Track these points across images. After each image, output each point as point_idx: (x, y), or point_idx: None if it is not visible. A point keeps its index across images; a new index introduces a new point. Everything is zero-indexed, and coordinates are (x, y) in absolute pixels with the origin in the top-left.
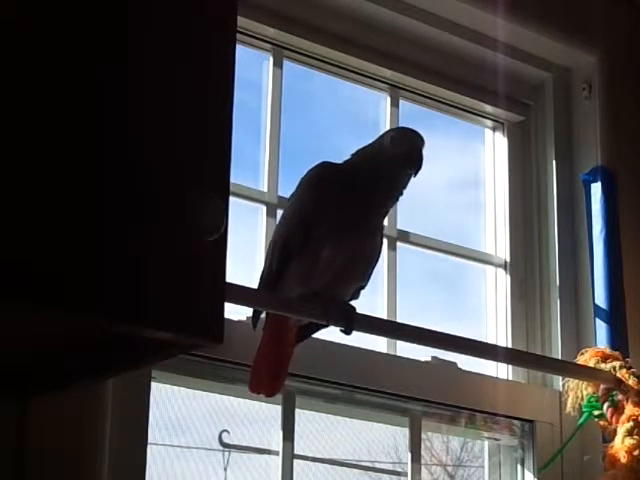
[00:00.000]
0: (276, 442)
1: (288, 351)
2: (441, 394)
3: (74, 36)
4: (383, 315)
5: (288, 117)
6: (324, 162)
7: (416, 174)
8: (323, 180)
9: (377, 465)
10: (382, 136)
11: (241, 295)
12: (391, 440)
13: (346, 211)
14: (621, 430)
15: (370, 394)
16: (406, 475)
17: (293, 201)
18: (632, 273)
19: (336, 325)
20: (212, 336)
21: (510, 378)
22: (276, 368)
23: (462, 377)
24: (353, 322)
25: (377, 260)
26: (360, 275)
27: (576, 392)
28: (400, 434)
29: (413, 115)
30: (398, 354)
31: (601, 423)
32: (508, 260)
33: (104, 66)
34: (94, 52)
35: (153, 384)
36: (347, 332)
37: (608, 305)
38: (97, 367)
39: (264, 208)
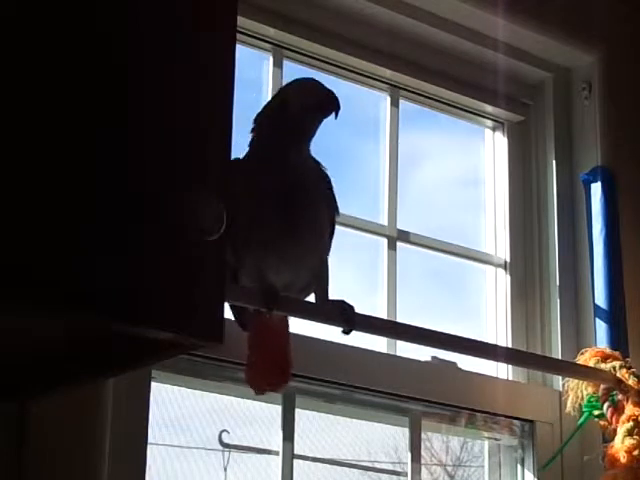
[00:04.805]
0: (276, 442)
1: (283, 342)
2: (441, 394)
3: (73, 35)
4: (383, 315)
5: None
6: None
7: (337, 115)
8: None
9: (377, 465)
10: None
11: (242, 295)
12: (391, 440)
13: (262, 213)
14: (621, 430)
15: (370, 394)
16: (406, 475)
17: None
18: (632, 273)
19: (335, 325)
20: (212, 336)
21: (510, 378)
22: (276, 362)
23: (462, 377)
24: (353, 322)
25: (331, 233)
26: (310, 266)
27: (576, 392)
28: (400, 434)
29: (413, 115)
30: (398, 354)
31: (601, 423)
32: (508, 260)
33: (103, 66)
34: (93, 52)
35: (153, 384)
36: (347, 332)
37: (608, 305)
38: (97, 367)
39: None
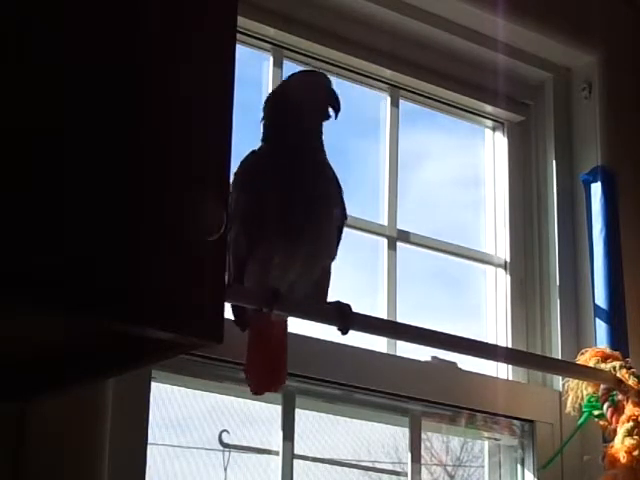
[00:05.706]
0: (276, 442)
1: (281, 344)
2: (441, 394)
3: (76, 34)
4: (383, 315)
5: None
6: (247, 155)
7: (337, 115)
8: (246, 181)
9: (377, 465)
10: (278, 92)
11: (241, 295)
12: (391, 440)
13: (286, 204)
14: (621, 430)
15: (370, 394)
16: (406, 475)
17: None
18: (632, 273)
19: (332, 324)
20: (212, 336)
21: (510, 378)
22: (273, 363)
23: (462, 377)
24: (349, 320)
25: (340, 232)
26: (320, 263)
27: (576, 392)
28: (400, 434)
29: (413, 115)
30: (398, 354)
31: (601, 423)
32: (508, 260)
33: (104, 66)
34: (95, 51)
35: (153, 384)
36: (343, 331)
37: (608, 305)
38: (97, 367)
39: None
